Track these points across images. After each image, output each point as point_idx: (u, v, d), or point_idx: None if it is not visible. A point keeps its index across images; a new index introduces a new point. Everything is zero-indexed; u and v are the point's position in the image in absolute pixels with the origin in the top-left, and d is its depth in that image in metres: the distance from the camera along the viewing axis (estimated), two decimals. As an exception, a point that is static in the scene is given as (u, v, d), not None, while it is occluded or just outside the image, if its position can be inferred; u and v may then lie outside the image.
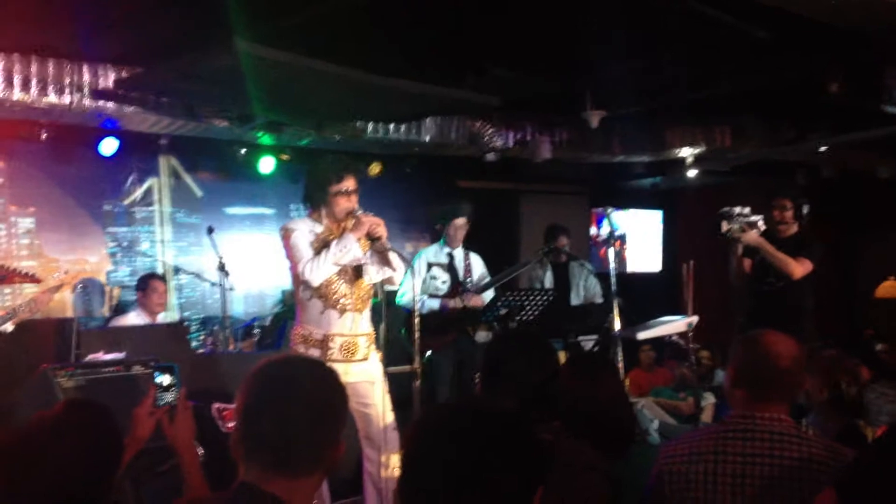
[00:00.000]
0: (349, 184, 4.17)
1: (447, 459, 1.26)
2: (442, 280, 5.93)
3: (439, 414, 1.43)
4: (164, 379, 2.56)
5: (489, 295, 6.02)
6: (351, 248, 4.06)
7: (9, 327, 4.63)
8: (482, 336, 5.99)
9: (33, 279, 4.66)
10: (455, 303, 5.89)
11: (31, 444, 1.88)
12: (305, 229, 4.19)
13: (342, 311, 4.15)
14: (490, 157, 7.38)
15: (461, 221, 5.96)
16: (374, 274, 4.26)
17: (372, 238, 4.16)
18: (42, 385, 4.53)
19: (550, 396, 2.56)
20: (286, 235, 4.18)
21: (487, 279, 6.10)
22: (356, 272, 4.22)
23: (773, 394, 2.43)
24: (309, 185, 4.31)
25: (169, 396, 2.54)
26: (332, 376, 1.78)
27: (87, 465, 2.06)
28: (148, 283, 6.11)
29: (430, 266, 5.94)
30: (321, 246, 4.14)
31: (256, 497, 1.59)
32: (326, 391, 1.73)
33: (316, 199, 4.25)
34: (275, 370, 1.75)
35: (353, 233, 4.08)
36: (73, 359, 4.79)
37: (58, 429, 2.18)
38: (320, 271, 4.06)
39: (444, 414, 1.41)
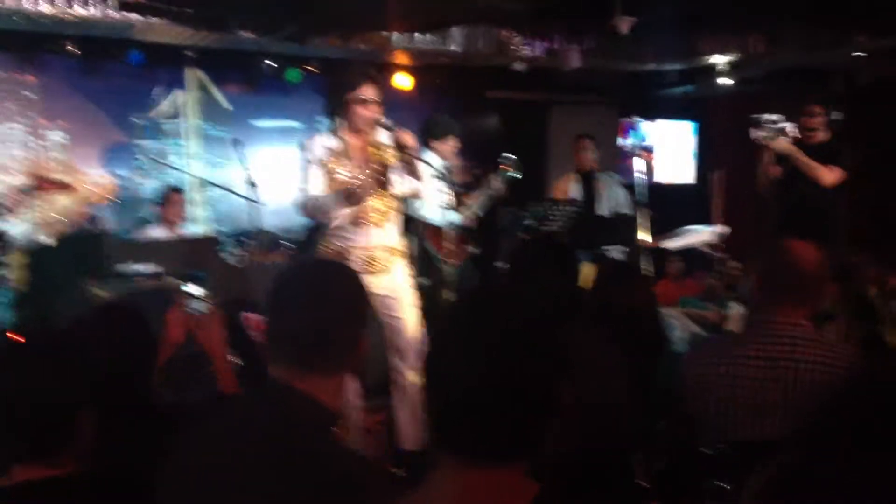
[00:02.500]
0: (367, 91, 4.09)
1: (469, 347, 1.28)
2: (446, 193, 5.85)
3: (462, 303, 1.46)
4: (193, 288, 2.61)
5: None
6: (328, 213, 4.07)
7: (44, 239, 4.73)
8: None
9: (67, 187, 4.73)
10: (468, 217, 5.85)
11: (68, 343, 1.96)
12: (319, 146, 4.15)
13: (362, 226, 4.16)
14: (518, 66, 7.27)
15: (454, 140, 5.77)
16: (398, 185, 4.24)
17: (400, 148, 4.14)
18: (78, 295, 4.68)
19: (574, 303, 2.60)
20: (302, 151, 4.19)
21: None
22: (379, 185, 4.21)
23: (795, 298, 2.45)
24: (329, 96, 4.29)
25: (198, 304, 2.60)
26: (354, 278, 1.82)
27: (122, 362, 2.15)
28: (167, 196, 6.20)
29: (434, 178, 5.85)
30: (334, 160, 4.11)
31: (283, 392, 1.65)
32: (348, 291, 1.78)
33: (336, 110, 4.20)
34: (299, 271, 1.82)
35: (341, 201, 4.03)
36: (107, 270, 4.91)
37: (93, 328, 2.27)
38: (304, 211, 4.14)
39: (467, 303, 1.43)
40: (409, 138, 4.11)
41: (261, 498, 1.53)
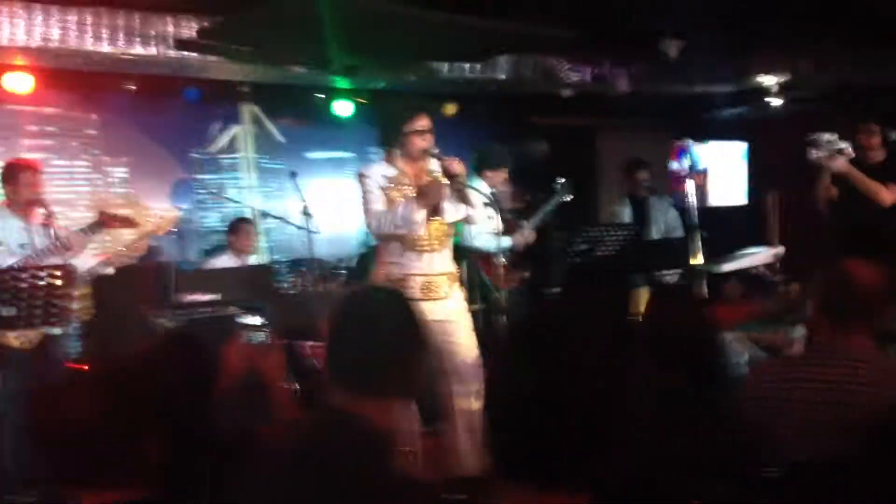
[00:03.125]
0: (423, 122, 4.19)
1: (531, 373, 1.30)
2: (497, 220, 5.90)
3: (522, 329, 1.48)
4: (254, 319, 2.66)
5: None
6: (412, 220, 4.06)
7: (109, 270, 4.86)
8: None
9: (130, 223, 4.86)
10: (522, 238, 5.91)
11: (130, 370, 2.02)
12: (378, 174, 4.23)
13: (420, 252, 4.22)
14: (565, 92, 7.30)
15: (506, 171, 5.86)
16: (451, 212, 4.29)
17: (449, 176, 4.20)
18: (142, 325, 4.79)
19: (628, 329, 2.59)
20: (360, 181, 4.26)
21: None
22: (433, 212, 4.27)
23: (856, 321, 2.42)
24: (383, 127, 4.35)
25: (258, 335, 2.65)
26: (409, 306, 1.86)
27: (184, 393, 2.20)
28: (238, 227, 6.34)
29: (486, 206, 5.91)
30: (391, 189, 4.19)
31: (341, 417, 1.69)
32: (403, 319, 1.82)
33: (390, 140, 4.28)
34: (358, 300, 1.86)
35: (419, 203, 4.06)
36: (171, 300, 5.02)
37: (157, 360, 2.33)
38: (381, 231, 4.17)
39: (527, 329, 1.44)
40: (458, 167, 4.17)
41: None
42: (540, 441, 1.26)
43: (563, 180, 6.14)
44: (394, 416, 1.81)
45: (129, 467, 1.87)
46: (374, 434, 1.69)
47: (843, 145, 5.16)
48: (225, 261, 6.21)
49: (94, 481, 1.86)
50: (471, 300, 5.72)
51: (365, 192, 4.23)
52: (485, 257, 5.62)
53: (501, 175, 5.84)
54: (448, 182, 4.19)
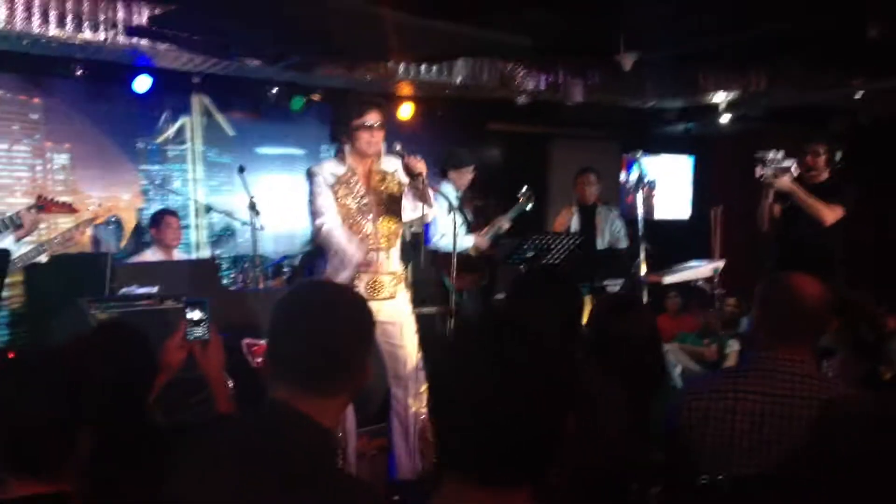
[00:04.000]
0: (372, 118, 4.13)
1: (478, 370, 1.29)
2: (460, 223, 5.95)
3: (467, 329, 1.47)
4: (195, 314, 2.61)
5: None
6: (350, 259, 4.09)
7: (43, 258, 4.74)
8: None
9: (71, 209, 4.75)
10: (484, 242, 5.96)
11: (66, 363, 1.95)
12: (327, 173, 4.18)
13: (367, 251, 4.18)
14: (521, 99, 7.34)
15: (472, 170, 5.94)
16: (409, 211, 4.26)
17: (411, 175, 4.15)
18: (76, 316, 4.67)
19: (575, 334, 2.60)
20: (309, 179, 4.22)
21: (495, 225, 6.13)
22: (382, 211, 4.24)
23: (797, 335, 2.44)
24: (333, 122, 4.31)
25: (199, 331, 2.59)
26: (360, 301, 1.83)
27: (120, 384, 2.14)
28: (162, 219, 6.09)
29: (450, 209, 5.95)
30: (340, 187, 4.15)
31: (284, 413, 1.65)
32: (354, 314, 1.78)
33: (339, 135, 4.23)
34: (305, 293, 1.82)
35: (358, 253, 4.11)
36: (107, 292, 4.90)
37: (92, 348, 2.27)
38: (327, 243, 4.14)
39: (473, 328, 1.44)
40: (420, 165, 4.13)
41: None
42: (489, 438, 1.26)
43: (526, 188, 6.20)
44: (337, 414, 1.78)
45: (59, 458, 1.80)
46: (316, 431, 1.66)
47: (789, 163, 5.26)
48: (150, 255, 6.05)
49: (22, 470, 1.78)
50: (429, 302, 5.76)
51: (312, 191, 4.18)
52: (445, 260, 5.63)
53: (467, 175, 5.89)
54: (409, 179, 4.17)
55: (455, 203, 5.82)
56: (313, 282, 1.71)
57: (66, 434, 1.81)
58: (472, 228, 6.06)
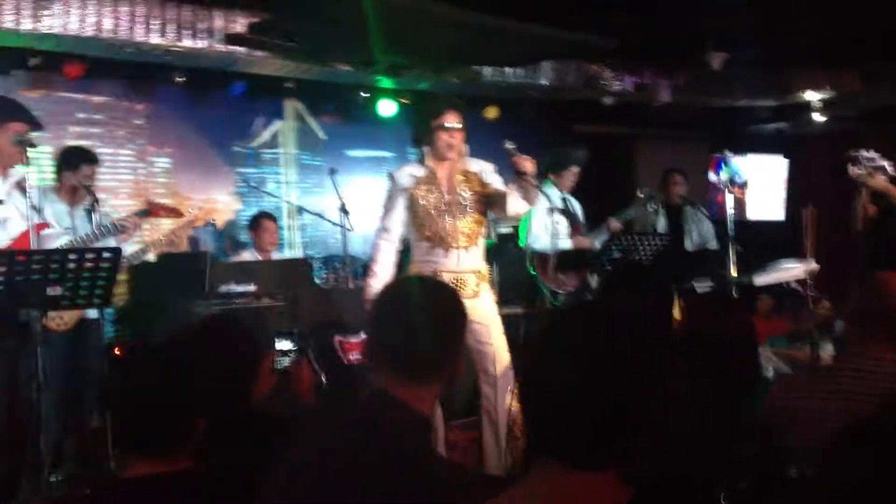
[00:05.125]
0: (450, 118, 4.14)
1: (571, 357, 1.37)
2: (562, 225, 5.99)
3: (561, 319, 1.54)
4: (284, 344, 2.69)
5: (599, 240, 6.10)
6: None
7: (151, 256, 4.98)
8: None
9: (177, 213, 4.99)
10: (581, 242, 6.00)
11: (179, 352, 2.10)
12: (406, 174, 4.26)
13: (447, 248, 4.22)
14: (607, 100, 7.34)
15: (576, 170, 6.02)
16: (514, 205, 4.21)
17: (518, 172, 4.13)
18: (180, 312, 4.90)
19: (664, 330, 2.62)
20: (389, 184, 4.33)
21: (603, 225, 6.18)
22: (463, 210, 4.29)
23: (887, 332, 2.43)
24: (414, 123, 4.39)
25: (286, 361, 2.67)
26: (454, 294, 1.92)
27: (227, 373, 2.28)
28: (259, 223, 6.30)
29: (551, 210, 6.00)
30: (420, 188, 4.22)
31: (386, 401, 1.75)
32: (448, 306, 1.88)
33: (420, 136, 4.29)
34: (402, 287, 1.93)
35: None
36: (208, 291, 5.12)
37: (201, 341, 2.41)
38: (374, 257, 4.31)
39: (568, 315, 1.50)
40: (528, 164, 4.12)
41: (359, 498, 1.62)
42: (581, 422, 1.33)
43: (647, 190, 6.27)
44: (431, 400, 1.86)
45: (176, 441, 1.94)
46: (411, 415, 1.75)
47: (883, 163, 5.15)
48: (247, 256, 6.27)
49: (144, 451, 1.93)
50: (517, 303, 5.84)
51: (387, 196, 4.30)
52: (542, 260, 5.72)
53: (570, 175, 5.96)
54: (518, 177, 4.16)
55: (560, 204, 5.93)
56: (412, 277, 1.82)
57: (183, 418, 1.94)
58: (574, 230, 6.08)
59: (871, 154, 5.19)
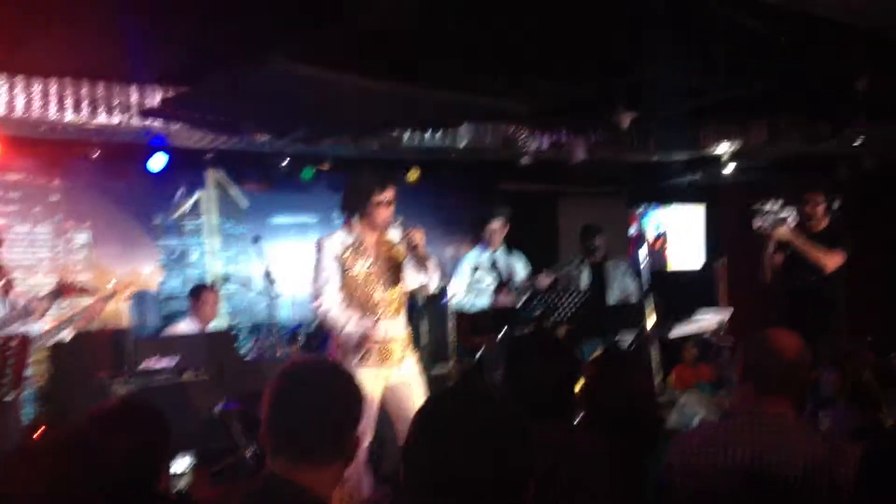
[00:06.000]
0: (388, 194, 4.31)
1: (436, 443, 1.41)
2: (486, 283, 6.10)
3: (434, 401, 1.60)
4: (179, 466, 2.67)
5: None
6: (349, 336, 4.25)
7: (67, 336, 4.88)
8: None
9: (86, 291, 4.93)
10: (504, 300, 6.09)
11: (86, 437, 2.08)
12: (337, 243, 4.34)
13: (375, 317, 4.31)
14: (525, 160, 7.50)
15: (496, 224, 6.15)
16: (410, 281, 4.43)
17: (411, 246, 4.31)
18: (98, 391, 4.81)
19: (567, 398, 2.67)
20: (317, 252, 4.37)
21: (530, 281, 6.28)
22: (391, 279, 4.38)
23: (779, 388, 2.51)
24: (348, 195, 4.45)
25: (181, 483, 2.65)
26: (348, 377, 1.96)
27: (137, 458, 2.25)
28: (200, 294, 6.37)
29: (474, 269, 6.11)
30: (349, 256, 4.31)
31: (282, 485, 1.76)
32: (343, 390, 1.91)
33: (353, 209, 4.39)
34: (298, 371, 1.95)
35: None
36: (128, 367, 5.05)
37: (111, 423, 2.38)
38: (326, 324, 4.34)
39: (437, 401, 1.56)
40: (418, 236, 4.28)
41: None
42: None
43: (580, 254, 6.56)
44: (333, 482, 1.88)
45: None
46: (310, 500, 1.76)
47: (785, 213, 5.37)
48: (185, 326, 6.24)
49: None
50: (435, 362, 5.90)
51: (316, 266, 4.34)
52: (461, 318, 5.80)
53: (494, 231, 6.10)
54: (409, 251, 4.32)
55: (486, 262, 6.06)
56: (303, 360, 1.85)
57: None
58: (500, 288, 6.18)
59: (775, 206, 5.40)
